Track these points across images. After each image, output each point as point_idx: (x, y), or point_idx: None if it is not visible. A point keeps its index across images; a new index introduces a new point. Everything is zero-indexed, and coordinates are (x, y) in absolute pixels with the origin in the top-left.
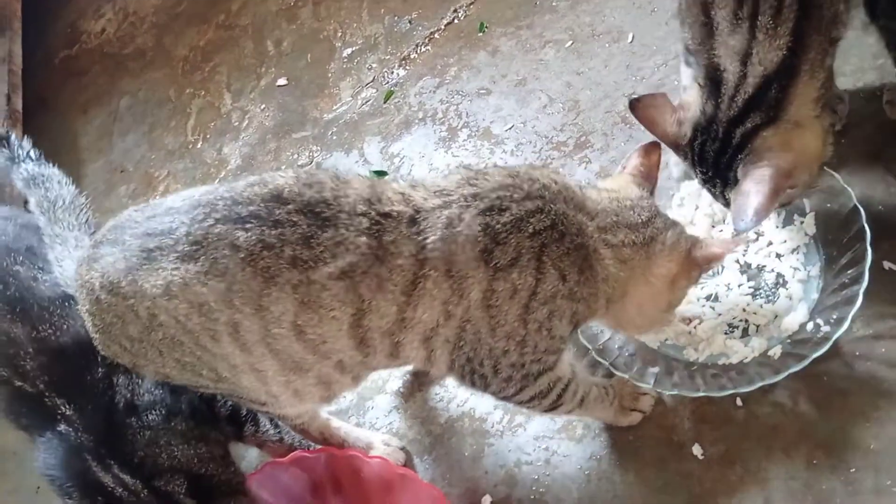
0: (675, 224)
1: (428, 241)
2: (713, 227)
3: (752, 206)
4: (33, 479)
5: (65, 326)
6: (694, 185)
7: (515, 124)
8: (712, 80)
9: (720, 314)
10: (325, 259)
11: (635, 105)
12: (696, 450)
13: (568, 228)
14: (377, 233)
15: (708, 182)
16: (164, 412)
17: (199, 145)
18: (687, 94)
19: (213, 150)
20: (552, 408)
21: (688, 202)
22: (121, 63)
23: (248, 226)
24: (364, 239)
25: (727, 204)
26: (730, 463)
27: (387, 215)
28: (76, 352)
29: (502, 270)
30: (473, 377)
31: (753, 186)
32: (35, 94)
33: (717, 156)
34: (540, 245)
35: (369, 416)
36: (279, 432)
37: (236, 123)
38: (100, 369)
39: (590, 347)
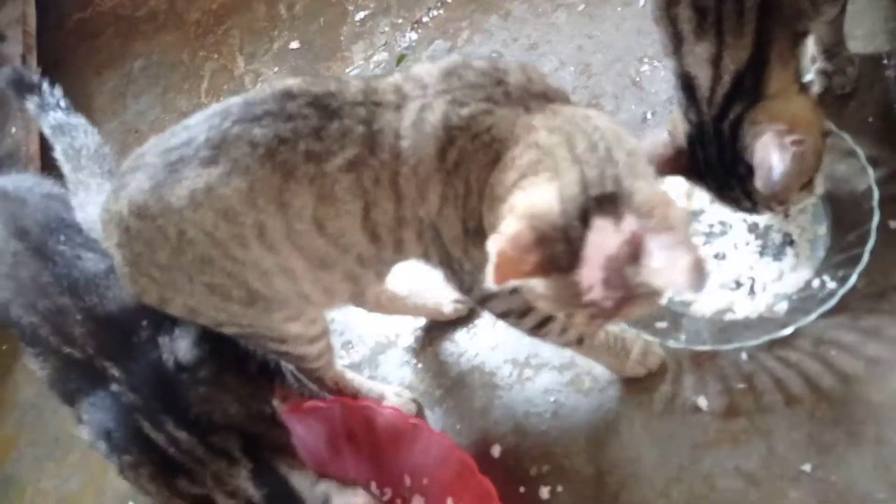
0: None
1: (401, 128)
2: None
3: (771, 157)
4: (52, 431)
5: (109, 295)
6: None
7: None
8: (687, 88)
9: (727, 272)
10: (335, 151)
11: None
12: (702, 402)
13: (499, 137)
14: (370, 121)
15: (726, 188)
16: (214, 369)
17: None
18: (673, 115)
19: None
20: (535, 332)
21: None
22: (134, 25)
23: (263, 122)
24: (361, 129)
25: (754, 206)
26: (733, 415)
27: (378, 104)
28: (121, 318)
29: (450, 175)
30: (452, 280)
31: (762, 150)
32: (49, 56)
33: (719, 156)
34: (473, 150)
35: (381, 371)
36: (301, 386)
37: (249, 86)
38: (144, 332)
39: None
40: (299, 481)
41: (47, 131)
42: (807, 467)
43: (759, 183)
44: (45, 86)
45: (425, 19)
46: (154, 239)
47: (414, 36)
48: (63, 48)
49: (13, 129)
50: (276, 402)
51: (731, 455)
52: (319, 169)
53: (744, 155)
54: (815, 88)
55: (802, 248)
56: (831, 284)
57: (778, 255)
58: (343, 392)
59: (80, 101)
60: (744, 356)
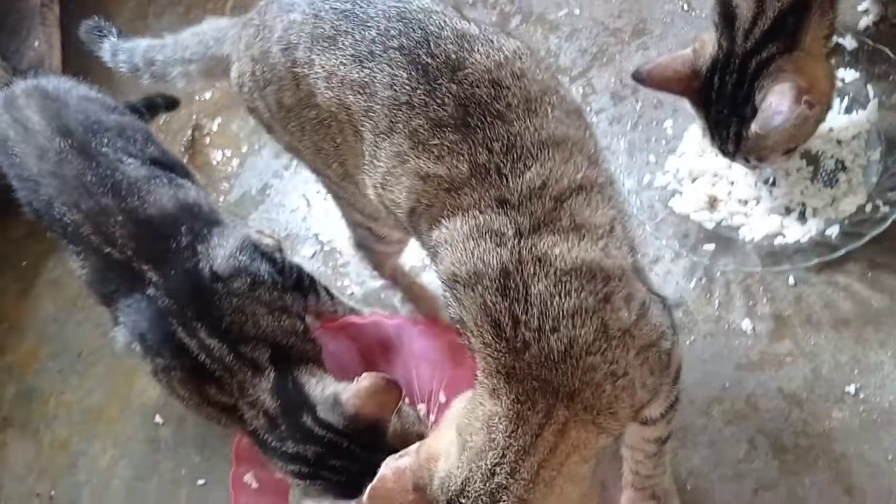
0: None
1: None
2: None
3: (782, 104)
4: (75, 345)
5: (151, 199)
6: None
7: (570, 9)
8: (726, 17)
9: (777, 198)
10: None
11: (642, 78)
12: (746, 325)
13: None
14: None
15: (721, 124)
16: (249, 280)
17: None
18: (703, 37)
19: None
20: None
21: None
22: None
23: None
24: None
25: (734, 152)
26: (779, 338)
27: None
28: (161, 224)
29: None
30: None
31: (777, 96)
32: None
33: (734, 88)
34: None
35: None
36: (335, 304)
37: None
38: (183, 239)
39: (646, 223)
40: (317, 388)
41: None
42: (851, 389)
43: (756, 125)
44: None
45: None
46: (284, 80)
47: None
48: None
49: (36, 43)
50: (309, 319)
51: (774, 377)
52: None
53: (756, 95)
54: (871, 17)
55: (855, 173)
56: (884, 209)
57: (830, 181)
58: (397, 283)
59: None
60: (791, 280)
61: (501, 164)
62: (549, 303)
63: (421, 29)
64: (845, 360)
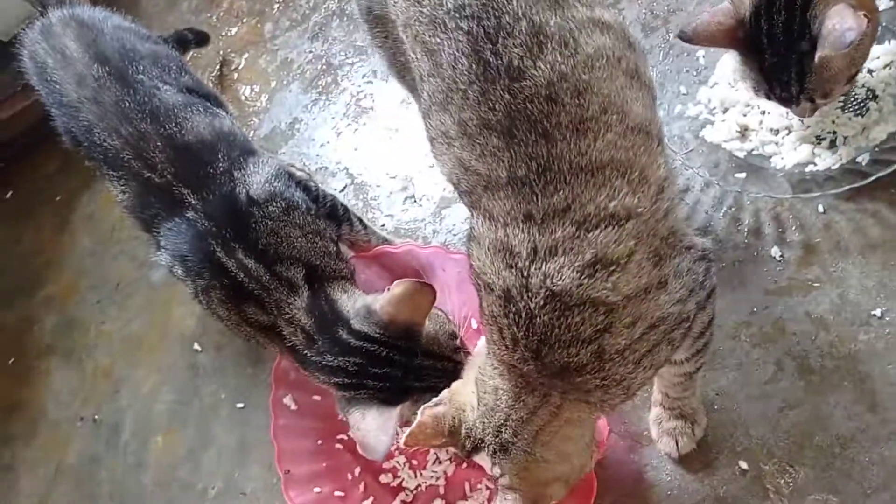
0: None
1: None
2: None
3: (848, 21)
4: (112, 277)
5: (188, 126)
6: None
7: None
8: None
9: (809, 126)
10: None
11: (689, 37)
12: (775, 251)
13: None
14: None
15: (779, 67)
16: (283, 205)
17: None
18: None
19: None
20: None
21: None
22: None
23: None
24: None
25: (798, 93)
26: (807, 264)
27: None
28: (198, 150)
29: None
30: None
31: (837, 17)
32: None
33: (785, 25)
34: None
35: (446, 224)
36: (368, 233)
37: None
38: (221, 164)
39: (676, 152)
40: (349, 303)
41: None
42: (877, 312)
43: (827, 48)
44: None
45: None
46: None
47: None
48: None
49: None
50: (343, 248)
51: (802, 301)
52: None
53: (812, 25)
54: None
55: (886, 102)
56: None
57: (860, 109)
58: None
59: None
60: (821, 208)
61: (535, 182)
62: (548, 333)
63: (496, 17)
64: (872, 285)
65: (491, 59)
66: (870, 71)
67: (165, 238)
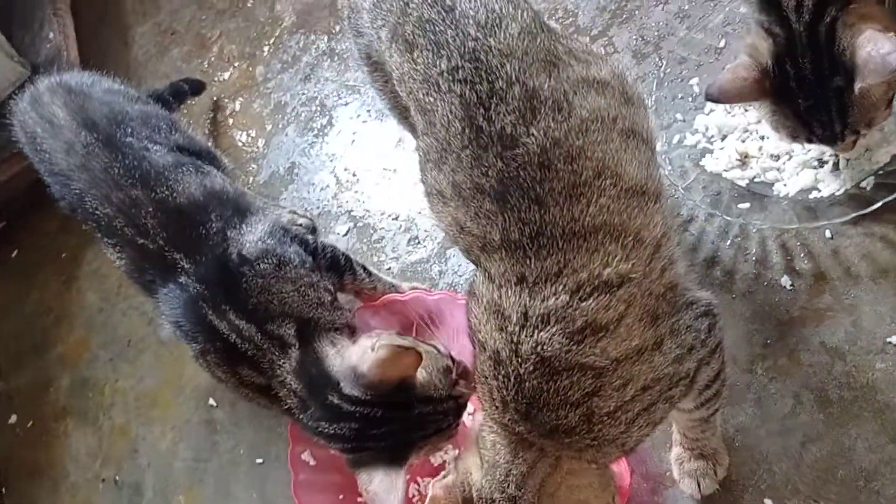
0: None
1: None
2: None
3: (884, 45)
4: (122, 334)
5: (180, 188)
6: None
7: None
8: (769, 3)
9: (810, 150)
10: None
11: (716, 97)
12: (785, 281)
13: None
14: None
15: (816, 108)
16: (275, 261)
17: (249, 3)
18: (747, 40)
19: (266, 7)
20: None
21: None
22: None
23: None
24: None
25: (842, 130)
26: (818, 292)
27: None
28: (191, 211)
29: None
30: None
31: (871, 43)
32: None
33: (814, 65)
34: None
35: (451, 264)
36: (373, 280)
37: None
38: (214, 225)
39: (678, 185)
40: (337, 360)
41: None
42: (893, 339)
43: (868, 78)
44: None
45: None
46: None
47: None
48: None
49: (51, 35)
50: (349, 297)
51: (815, 331)
52: None
53: (843, 58)
54: None
55: (888, 122)
56: None
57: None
58: None
59: (108, 4)
60: (828, 234)
61: (528, 247)
62: (537, 396)
63: (489, 82)
64: (885, 311)
65: (484, 125)
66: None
67: (163, 303)
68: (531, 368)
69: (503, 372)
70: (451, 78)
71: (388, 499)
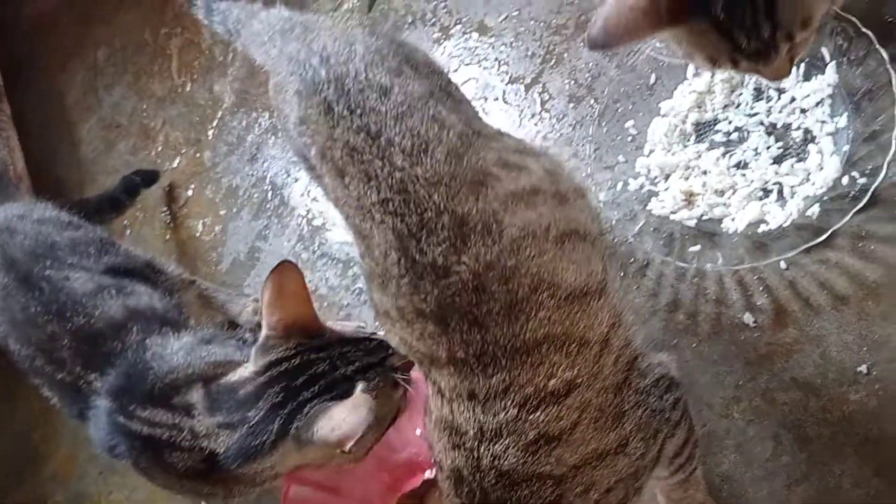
0: None
1: None
2: (733, 91)
3: None
4: None
5: (97, 313)
6: None
7: (510, 13)
8: None
9: (752, 181)
10: None
11: (600, 40)
12: (747, 318)
13: None
14: None
15: (738, 12)
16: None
17: (188, 87)
18: None
19: (204, 90)
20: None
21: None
22: (89, 10)
23: None
24: None
25: (772, 39)
26: (782, 326)
27: None
28: (109, 332)
29: None
30: None
31: None
32: (10, 57)
33: None
34: None
35: None
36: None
37: (220, 58)
38: (133, 338)
39: (628, 235)
40: (240, 371)
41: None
42: (863, 368)
43: None
44: None
45: None
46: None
47: None
48: (23, 46)
49: None
50: None
51: (785, 367)
52: None
53: None
54: None
55: (825, 142)
56: (862, 180)
57: (801, 154)
58: None
59: (51, 100)
60: (783, 265)
61: (474, 365)
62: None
63: (418, 213)
64: (852, 340)
65: (417, 257)
66: (803, 111)
67: (93, 432)
68: (493, 481)
69: (467, 489)
70: (382, 210)
71: (349, 418)
